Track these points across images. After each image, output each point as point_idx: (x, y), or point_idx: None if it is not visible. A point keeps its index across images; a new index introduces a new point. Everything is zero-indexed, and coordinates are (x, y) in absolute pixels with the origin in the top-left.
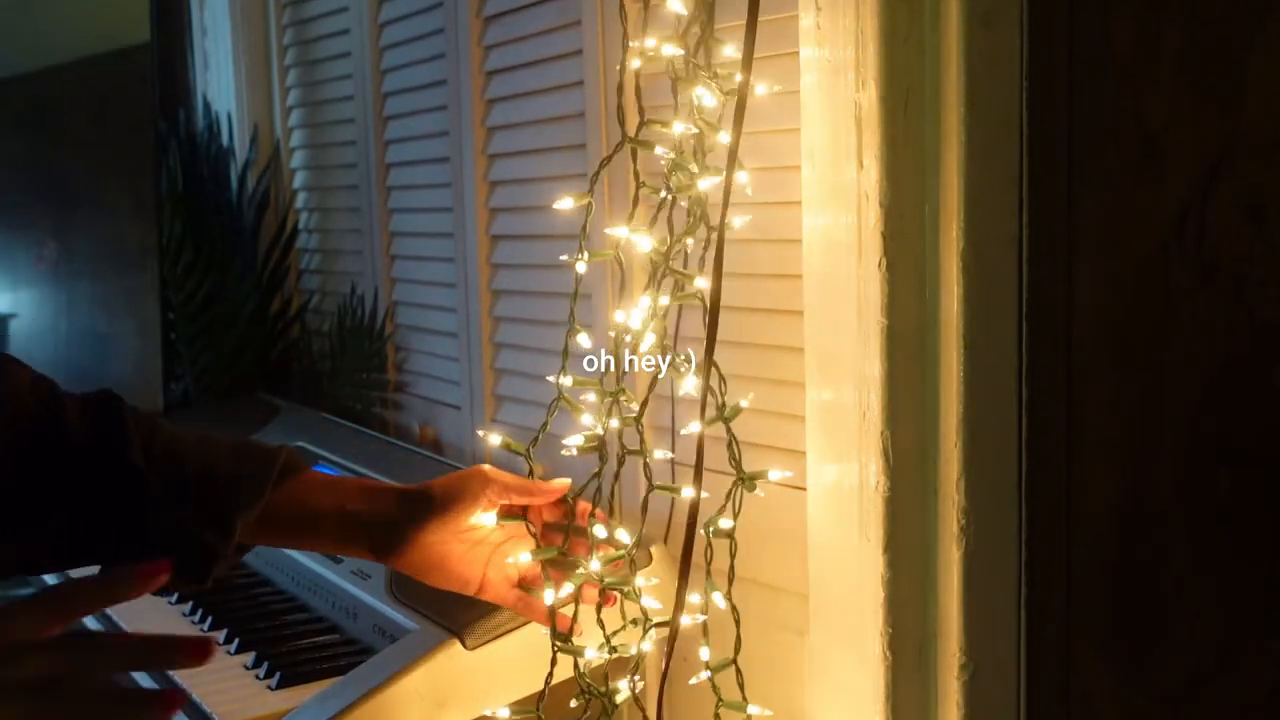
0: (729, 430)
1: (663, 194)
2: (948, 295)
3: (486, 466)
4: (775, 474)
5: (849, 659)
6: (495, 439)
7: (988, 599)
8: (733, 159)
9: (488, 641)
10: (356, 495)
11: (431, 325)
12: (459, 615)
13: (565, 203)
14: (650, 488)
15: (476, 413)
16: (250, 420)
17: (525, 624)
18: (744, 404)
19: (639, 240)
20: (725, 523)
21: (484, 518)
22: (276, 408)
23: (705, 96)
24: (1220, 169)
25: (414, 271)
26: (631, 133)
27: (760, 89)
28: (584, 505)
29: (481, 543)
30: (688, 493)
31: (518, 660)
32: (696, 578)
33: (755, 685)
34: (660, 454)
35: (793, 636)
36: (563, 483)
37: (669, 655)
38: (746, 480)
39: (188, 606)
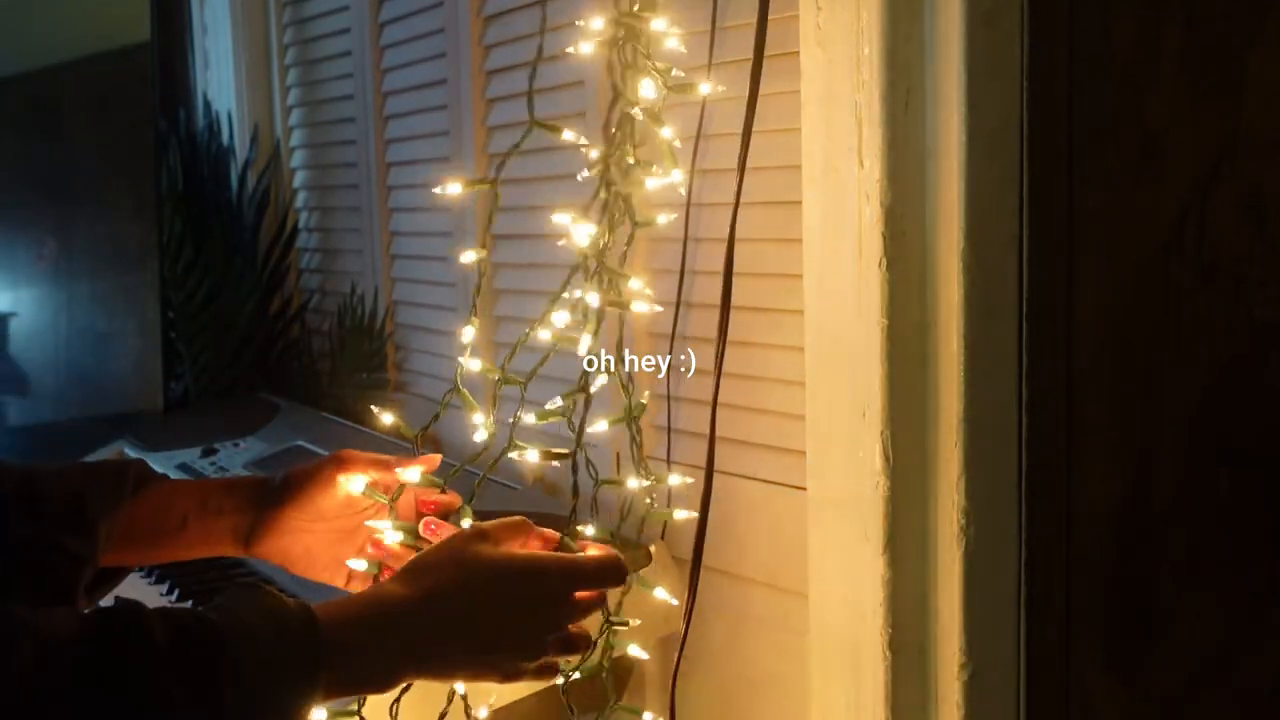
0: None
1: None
2: (948, 295)
3: (348, 451)
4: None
5: (849, 659)
6: (388, 418)
7: (988, 599)
8: (742, 168)
9: None
10: (216, 490)
11: (431, 324)
12: None
13: (454, 188)
14: (597, 483)
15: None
16: (250, 419)
17: None
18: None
19: (576, 230)
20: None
21: (357, 497)
22: (276, 407)
23: (646, 88)
24: (1220, 169)
25: (414, 271)
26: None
27: (705, 87)
28: (453, 496)
29: (353, 532)
30: (632, 483)
31: None
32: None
33: (755, 685)
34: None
35: (793, 636)
36: (429, 458)
37: (682, 646)
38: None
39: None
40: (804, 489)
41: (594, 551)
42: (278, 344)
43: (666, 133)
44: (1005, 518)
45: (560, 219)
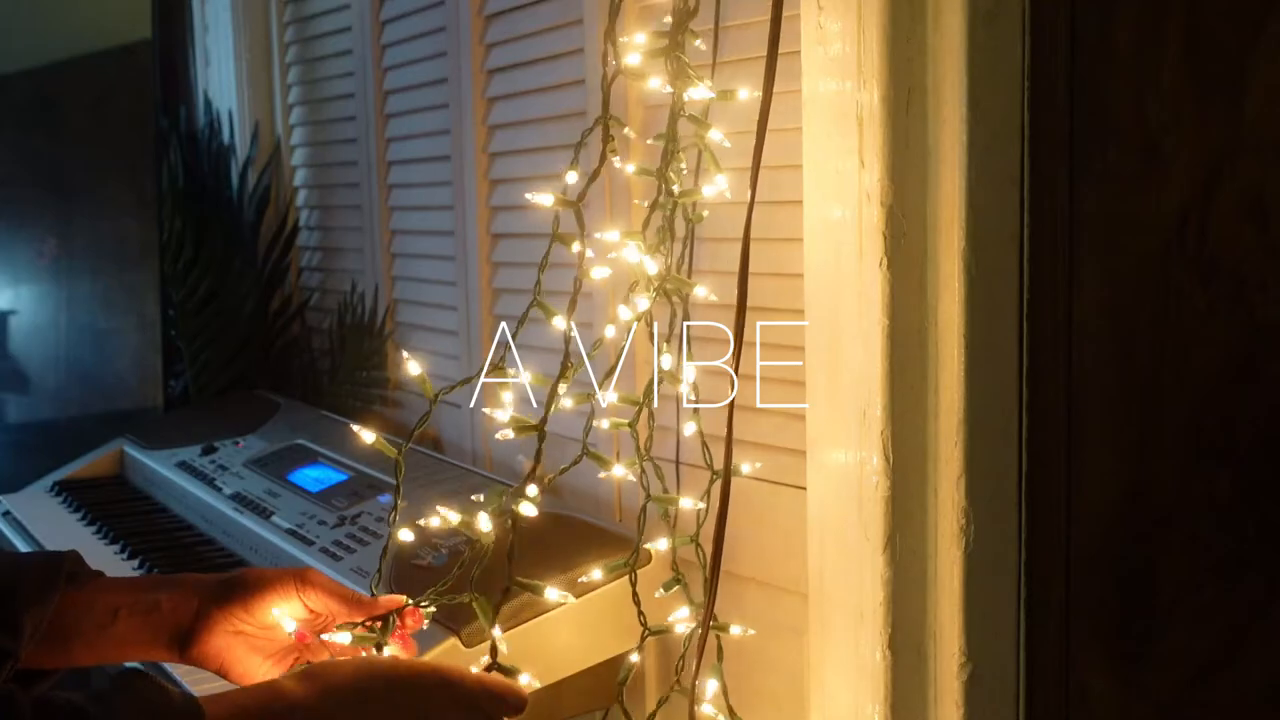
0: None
1: (659, 199)
2: (948, 295)
3: (314, 571)
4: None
5: (849, 659)
6: (369, 436)
7: (988, 599)
8: (756, 167)
9: (486, 639)
10: (152, 584)
11: (432, 323)
12: (458, 613)
13: (544, 198)
14: (648, 498)
15: (477, 411)
16: (250, 417)
17: (524, 622)
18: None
19: (629, 252)
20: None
21: (287, 622)
22: (276, 405)
23: (696, 93)
24: (1222, 169)
25: (414, 269)
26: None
27: (744, 93)
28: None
29: (298, 651)
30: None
31: (515, 657)
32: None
33: (755, 685)
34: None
35: (793, 636)
36: (394, 599)
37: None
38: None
39: None
40: (804, 489)
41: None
42: (277, 342)
43: (716, 135)
44: (1005, 518)
45: (611, 237)
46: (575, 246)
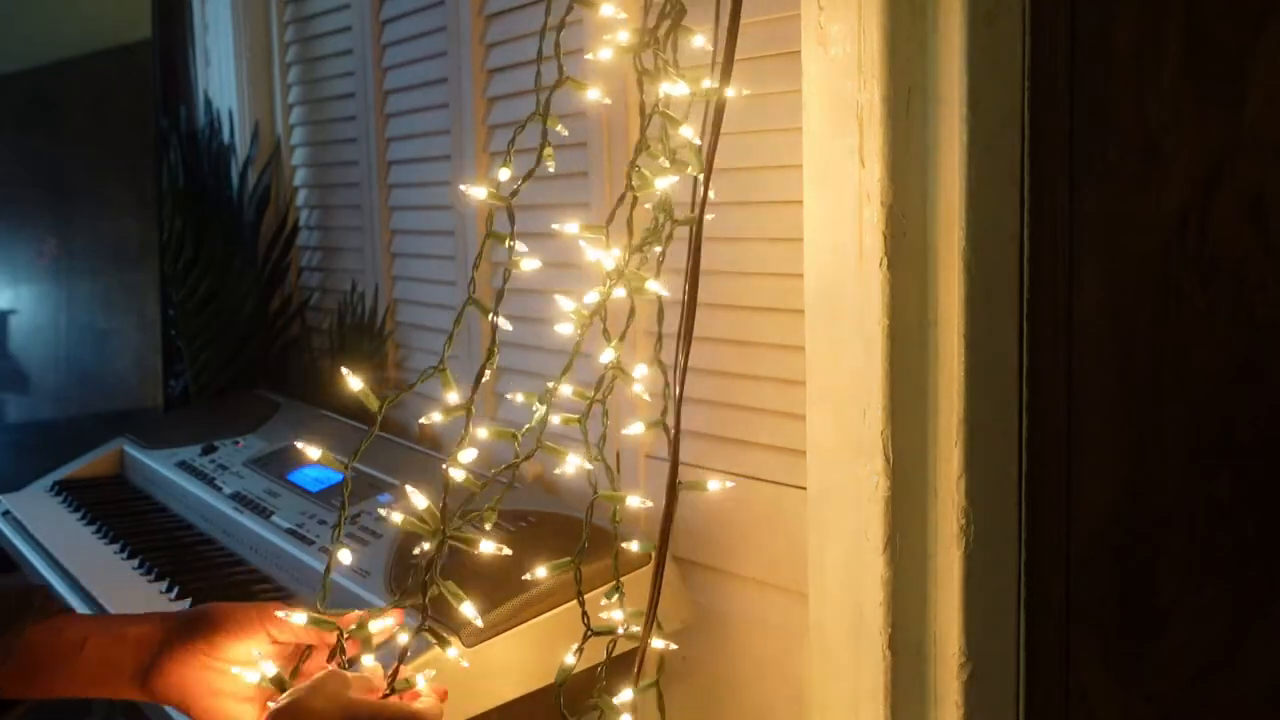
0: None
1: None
2: (948, 295)
3: (276, 606)
4: (714, 484)
5: (849, 659)
6: (314, 452)
7: (988, 599)
8: (709, 164)
9: (486, 639)
10: (120, 618)
11: (432, 323)
12: (458, 613)
13: (570, 227)
14: (595, 494)
15: (477, 410)
16: (249, 416)
17: (524, 622)
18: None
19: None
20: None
21: (267, 666)
22: (276, 404)
23: (674, 89)
24: (1222, 169)
25: (415, 269)
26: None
27: (729, 92)
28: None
29: (264, 695)
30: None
31: (516, 658)
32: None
33: (755, 685)
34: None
35: (793, 637)
36: (358, 614)
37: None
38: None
39: (187, 603)
40: (804, 489)
41: (428, 700)
42: (278, 341)
43: (687, 132)
44: (1005, 518)
45: (569, 229)
46: (508, 244)
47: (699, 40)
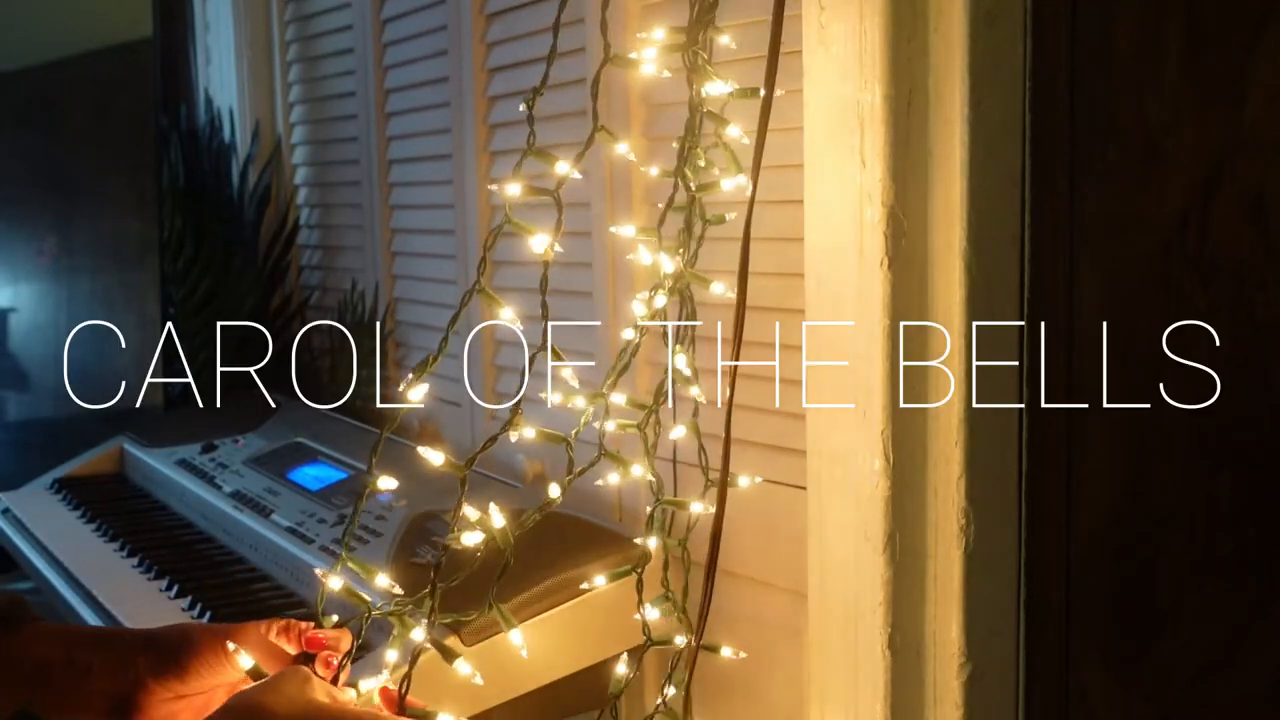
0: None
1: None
2: (948, 295)
3: (247, 626)
4: (744, 480)
5: (849, 659)
6: (436, 457)
7: (988, 599)
8: (758, 164)
9: (486, 638)
10: (85, 642)
11: (432, 322)
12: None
13: (627, 230)
14: (658, 501)
15: (477, 410)
16: (249, 415)
17: (523, 622)
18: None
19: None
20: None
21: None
22: (276, 403)
23: (715, 89)
24: (1222, 170)
25: (415, 268)
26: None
27: (778, 91)
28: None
29: None
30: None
31: (516, 658)
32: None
33: (755, 685)
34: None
35: (793, 636)
36: (335, 632)
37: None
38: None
39: (186, 601)
40: (804, 489)
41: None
42: (277, 341)
43: (735, 132)
44: (1005, 518)
45: (625, 231)
46: (536, 238)
47: (725, 40)
